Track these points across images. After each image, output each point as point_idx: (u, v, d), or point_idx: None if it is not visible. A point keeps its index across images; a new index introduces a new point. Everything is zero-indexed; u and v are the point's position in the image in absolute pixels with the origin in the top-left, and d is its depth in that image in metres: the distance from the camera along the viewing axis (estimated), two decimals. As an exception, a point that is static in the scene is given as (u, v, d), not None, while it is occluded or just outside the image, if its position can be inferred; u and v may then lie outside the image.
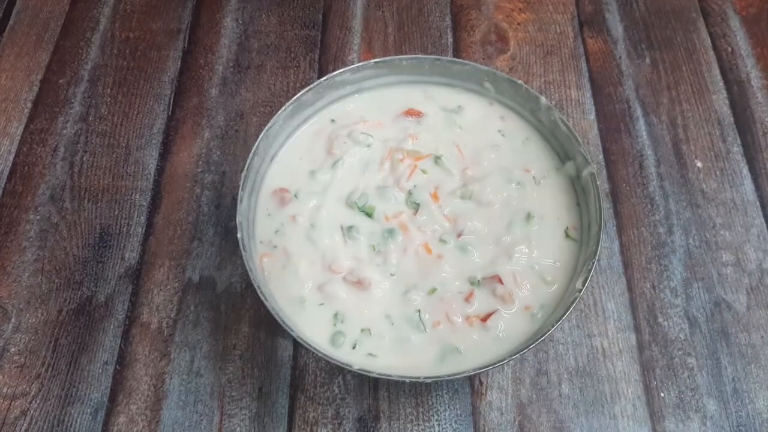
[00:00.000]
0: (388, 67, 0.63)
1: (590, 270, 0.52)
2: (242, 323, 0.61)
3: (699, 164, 0.70)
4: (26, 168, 0.69)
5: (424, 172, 0.61)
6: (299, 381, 0.58)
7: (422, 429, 0.57)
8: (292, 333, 0.50)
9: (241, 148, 0.70)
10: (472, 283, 0.56)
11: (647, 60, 0.77)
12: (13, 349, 0.59)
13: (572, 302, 0.51)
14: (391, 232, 0.58)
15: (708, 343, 0.61)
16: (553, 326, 0.51)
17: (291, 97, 0.60)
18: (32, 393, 0.58)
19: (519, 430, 0.57)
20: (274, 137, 0.60)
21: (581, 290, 0.51)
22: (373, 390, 0.58)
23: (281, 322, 0.51)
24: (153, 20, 0.80)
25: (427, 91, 0.65)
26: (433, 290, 0.56)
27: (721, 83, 0.76)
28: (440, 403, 0.58)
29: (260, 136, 0.58)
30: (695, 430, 0.57)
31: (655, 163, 0.70)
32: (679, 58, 0.78)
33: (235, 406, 0.57)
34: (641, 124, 0.73)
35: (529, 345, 0.51)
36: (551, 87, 0.75)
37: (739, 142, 0.72)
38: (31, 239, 0.65)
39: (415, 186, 0.60)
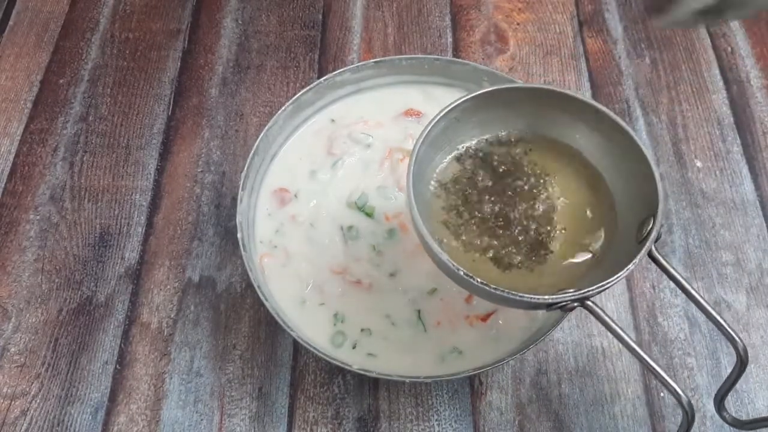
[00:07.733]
0: (388, 67, 0.63)
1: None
2: (242, 323, 0.61)
3: (699, 164, 0.70)
4: (26, 168, 0.69)
5: (423, 172, 0.61)
6: (299, 381, 0.58)
7: (422, 429, 0.57)
8: (292, 333, 0.50)
9: (241, 148, 0.70)
10: (472, 283, 0.56)
11: (647, 60, 0.77)
12: (13, 349, 0.59)
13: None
14: (391, 232, 0.58)
15: (708, 343, 0.61)
16: (553, 326, 0.51)
17: (291, 97, 0.60)
18: (32, 393, 0.58)
19: (519, 430, 0.57)
20: (274, 137, 0.60)
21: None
22: (373, 390, 0.58)
23: (281, 322, 0.51)
24: (153, 21, 0.80)
25: (427, 91, 0.65)
26: (433, 290, 0.56)
27: (721, 83, 0.76)
28: (440, 402, 0.58)
29: (260, 136, 0.58)
30: (695, 430, 0.57)
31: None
32: (679, 57, 0.78)
33: (235, 406, 0.57)
34: (641, 124, 0.73)
35: (529, 345, 0.51)
36: (551, 87, 0.75)
37: (738, 141, 0.72)
38: (31, 239, 0.65)
39: (415, 186, 0.60)
